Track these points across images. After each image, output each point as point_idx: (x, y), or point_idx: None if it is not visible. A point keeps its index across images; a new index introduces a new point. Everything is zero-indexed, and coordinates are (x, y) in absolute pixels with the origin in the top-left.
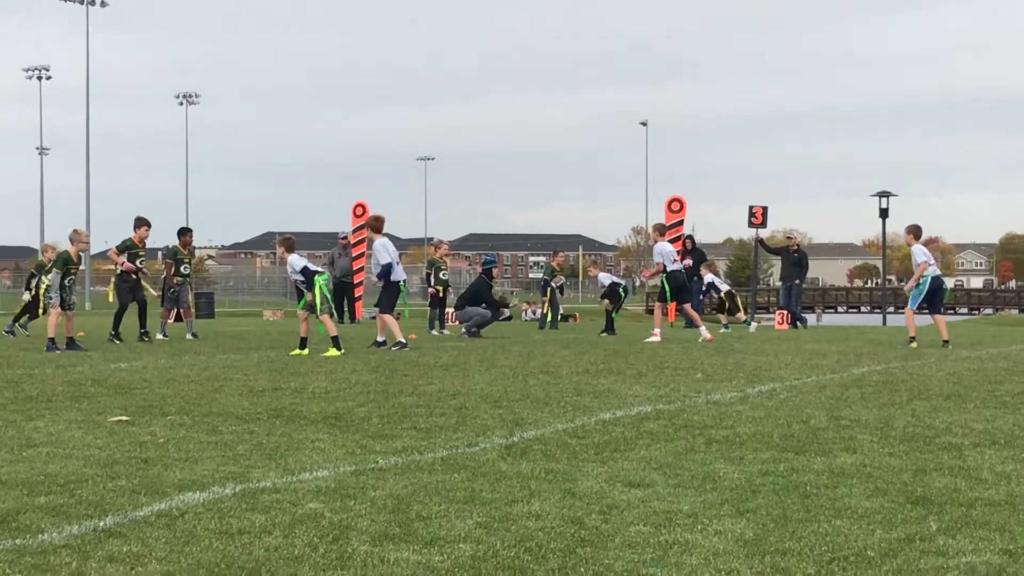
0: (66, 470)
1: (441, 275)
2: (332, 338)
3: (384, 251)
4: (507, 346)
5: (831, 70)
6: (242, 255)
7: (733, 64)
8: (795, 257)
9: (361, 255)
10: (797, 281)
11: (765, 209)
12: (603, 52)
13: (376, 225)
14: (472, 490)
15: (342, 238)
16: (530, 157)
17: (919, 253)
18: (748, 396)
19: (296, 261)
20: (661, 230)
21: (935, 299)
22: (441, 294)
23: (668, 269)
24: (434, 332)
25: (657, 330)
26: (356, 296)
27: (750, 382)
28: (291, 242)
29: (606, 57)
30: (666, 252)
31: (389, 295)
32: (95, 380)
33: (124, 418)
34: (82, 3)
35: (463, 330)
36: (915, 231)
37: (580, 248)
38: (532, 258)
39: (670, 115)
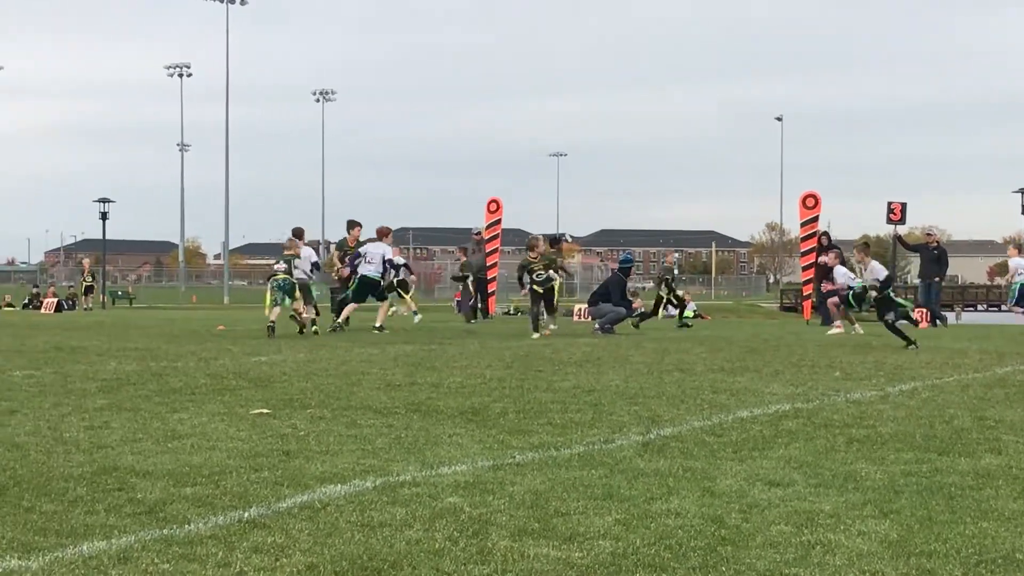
0: (210, 461)
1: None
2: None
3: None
4: (641, 343)
5: (970, 62)
6: None
7: (869, 56)
8: (934, 254)
9: (495, 251)
10: (937, 279)
11: (904, 205)
12: (737, 45)
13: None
14: (610, 487)
15: (475, 234)
16: (663, 152)
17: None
18: (889, 395)
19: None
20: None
21: None
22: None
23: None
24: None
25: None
26: (489, 292)
27: (890, 381)
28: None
29: (740, 50)
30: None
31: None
32: (236, 373)
33: (265, 411)
34: (222, 1)
35: (596, 326)
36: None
37: (713, 244)
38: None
39: (805, 108)
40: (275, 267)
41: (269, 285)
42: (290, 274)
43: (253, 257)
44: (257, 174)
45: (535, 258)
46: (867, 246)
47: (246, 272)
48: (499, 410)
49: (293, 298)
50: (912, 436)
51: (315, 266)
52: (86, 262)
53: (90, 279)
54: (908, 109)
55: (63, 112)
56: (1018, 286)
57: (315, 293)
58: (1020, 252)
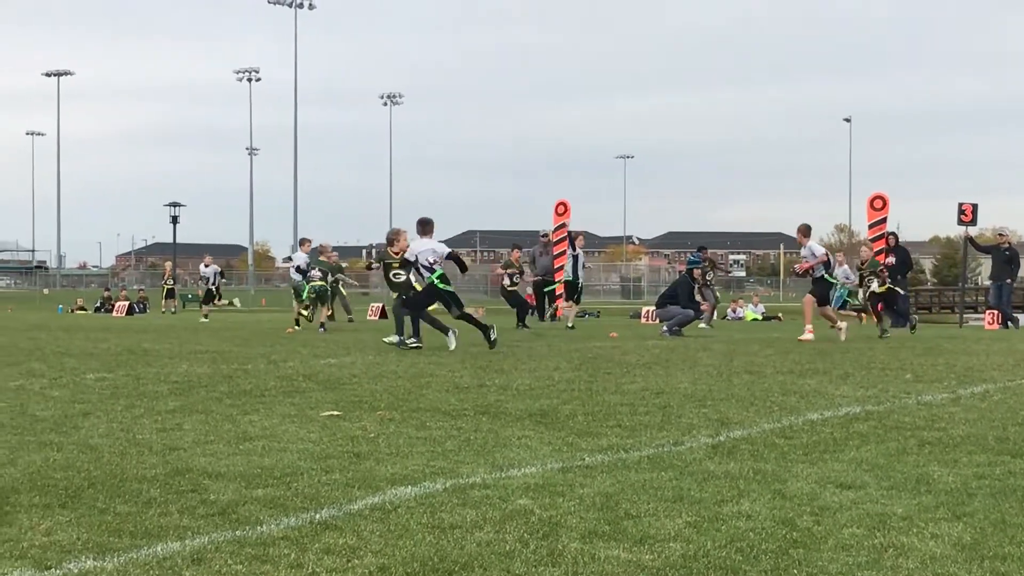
0: (281, 463)
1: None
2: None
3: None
4: (709, 345)
5: None
6: None
7: (938, 55)
8: (1006, 255)
9: (562, 253)
10: (1008, 280)
11: (975, 207)
12: (804, 45)
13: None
14: (680, 489)
15: (543, 236)
16: (730, 153)
17: None
18: (960, 398)
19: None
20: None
21: None
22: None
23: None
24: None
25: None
26: (558, 295)
27: (961, 383)
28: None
29: (808, 50)
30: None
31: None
32: (306, 375)
33: (336, 413)
34: (291, 6)
35: (664, 328)
36: None
37: (781, 246)
38: (732, 256)
39: (875, 108)
40: (312, 273)
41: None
42: (325, 279)
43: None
44: (325, 178)
45: (396, 254)
46: (808, 228)
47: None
48: (568, 412)
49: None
50: (985, 439)
51: (299, 269)
52: (167, 265)
53: (171, 282)
54: (980, 109)
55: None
56: None
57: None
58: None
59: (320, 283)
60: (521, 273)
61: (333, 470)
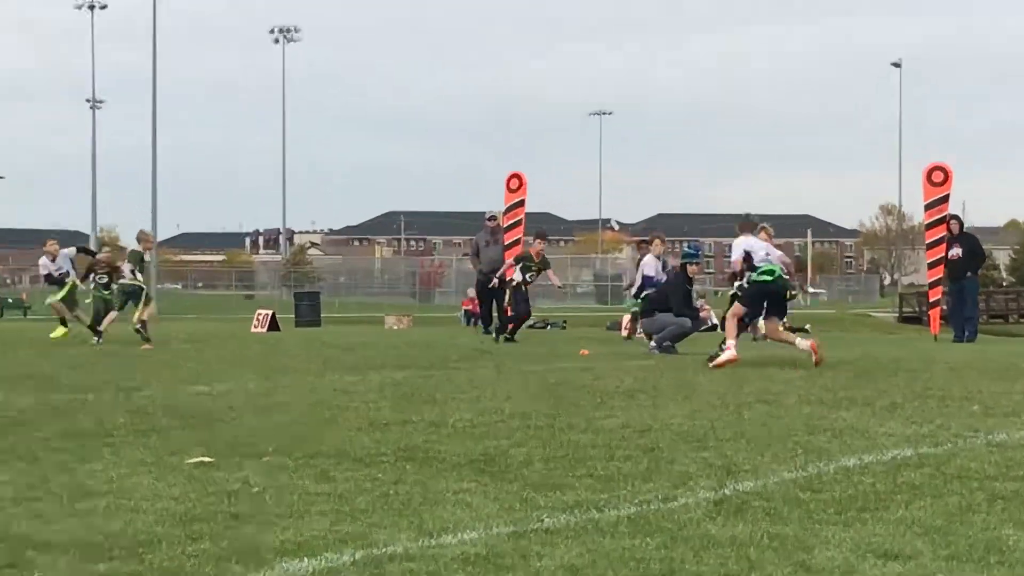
0: (133, 528)
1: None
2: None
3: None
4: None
5: None
6: (356, 242)
7: None
8: None
9: (516, 242)
10: None
11: None
12: None
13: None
14: (671, 560)
15: (490, 219)
16: (739, 110)
17: None
18: None
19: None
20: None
21: None
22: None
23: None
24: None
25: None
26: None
27: None
28: None
29: None
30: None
31: None
32: (168, 408)
33: (206, 459)
34: None
35: (652, 344)
36: None
37: (809, 233)
38: None
39: (932, 50)
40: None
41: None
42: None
43: (189, 251)
44: (194, 142)
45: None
46: (752, 225)
47: (180, 272)
48: (522, 457)
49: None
50: None
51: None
52: None
53: None
54: None
55: None
56: None
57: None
58: None
59: (130, 282)
60: (539, 272)
61: (202, 537)
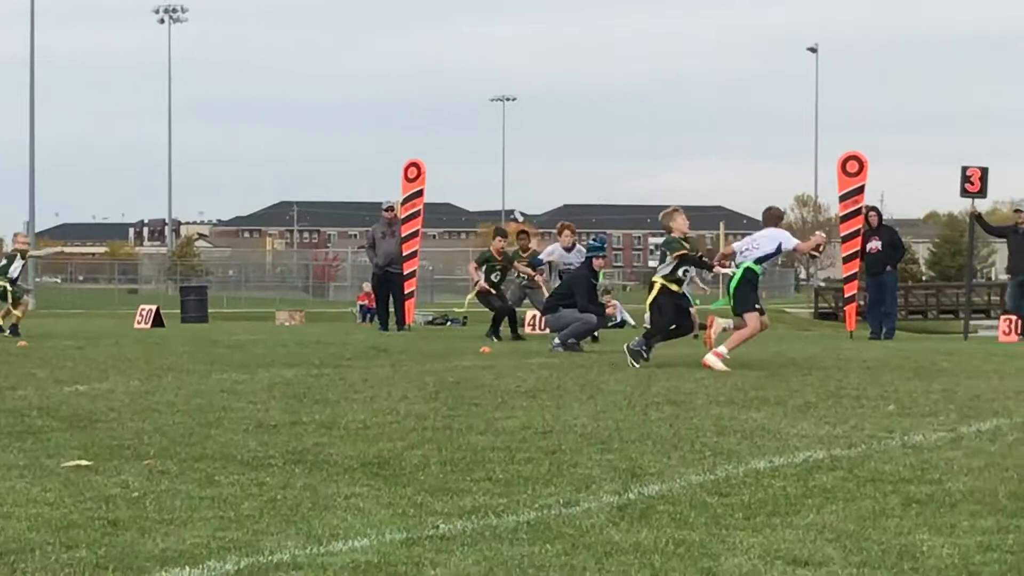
0: (4, 535)
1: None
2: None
3: None
4: (619, 363)
5: None
6: (246, 233)
7: None
8: None
9: (414, 235)
10: None
11: (985, 172)
12: None
13: None
14: (572, 568)
15: (387, 209)
16: (649, 97)
17: None
18: (962, 437)
19: None
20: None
21: None
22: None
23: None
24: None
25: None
26: (407, 293)
27: (964, 418)
28: None
29: None
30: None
31: None
32: (43, 409)
33: (84, 463)
34: None
35: (556, 341)
36: None
37: (722, 225)
38: (653, 239)
39: (848, 36)
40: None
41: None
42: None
43: (70, 243)
44: (75, 128)
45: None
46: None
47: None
48: (417, 460)
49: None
50: (994, 495)
51: None
52: None
53: None
54: (997, 38)
55: None
56: None
57: None
58: None
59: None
60: (504, 270)
61: (78, 545)
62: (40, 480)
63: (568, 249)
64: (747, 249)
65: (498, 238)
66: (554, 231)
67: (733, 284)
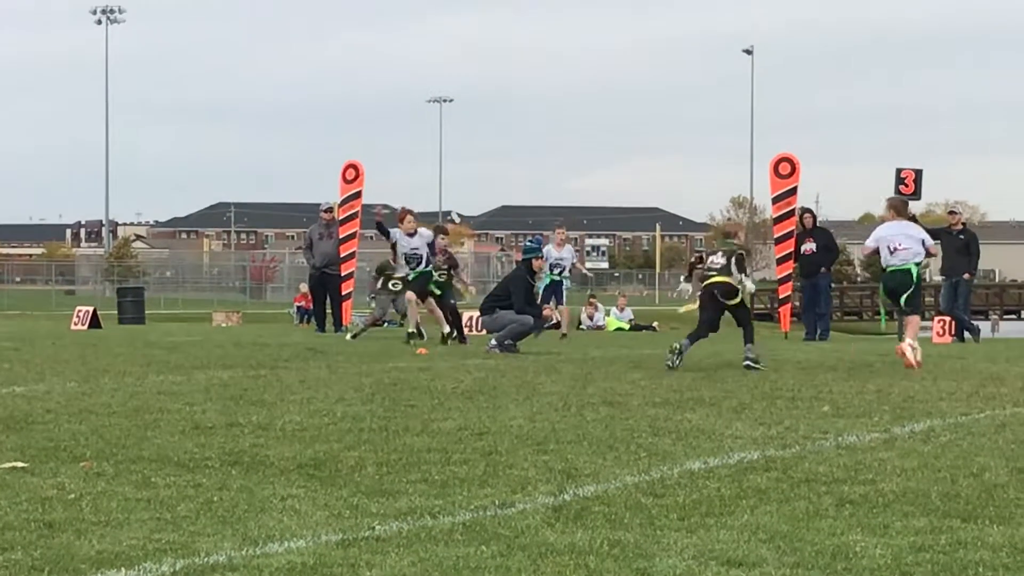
0: None
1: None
2: None
3: None
4: (555, 365)
5: None
6: (184, 235)
7: None
8: (960, 241)
9: (352, 236)
10: (965, 275)
11: (919, 173)
12: None
13: None
14: (507, 570)
15: (325, 211)
16: (587, 99)
17: None
18: (895, 438)
19: None
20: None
21: None
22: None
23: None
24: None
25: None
26: (344, 294)
27: (898, 418)
28: None
29: None
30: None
31: None
32: None
33: (19, 464)
34: None
35: (492, 342)
36: None
37: (658, 227)
38: (590, 240)
39: (783, 37)
40: None
41: None
42: None
43: (6, 244)
44: (11, 129)
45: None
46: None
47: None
48: (353, 462)
49: None
50: (927, 495)
51: None
52: None
53: None
54: (928, 38)
55: None
56: None
57: None
58: None
59: None
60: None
61: (13, 547)
62: None
63: (411, 235)
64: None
65: (439, 236)
66: (495, 233)
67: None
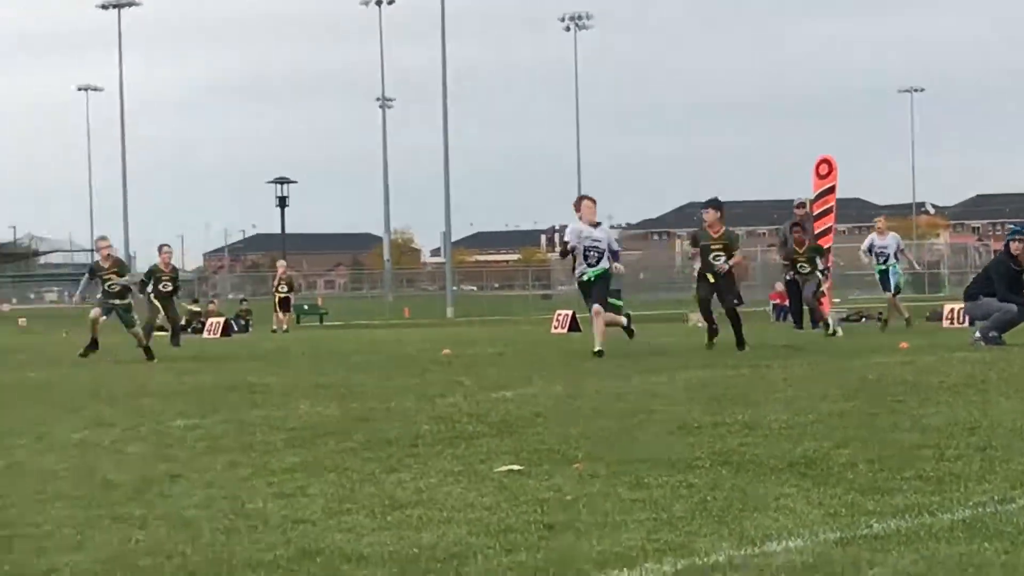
0: (446, 540)
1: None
2: None
3: None
4: None
5: None
6: (655, 236)
7: None
8: None
9: (828, 231)
10: None
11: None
12: None
13: None
14: (1014, 568)
15: (798, 206)
16: None
17: None
18: None
19: None
20: None
21: None
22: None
23: None
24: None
25: None
26: (821, 289)
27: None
28: None
29: None
30: None
31: None
32: (472, 415)
33: (516, 467)
34: None
35: (977, 334)
36: None
37: None
38: None
39: None
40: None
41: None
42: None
43: (484, 252)
44: (486, 137)
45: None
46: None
47: (475, 272)
48: (844, 459)
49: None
50: None
51: None
52: (281, 265)
53: (285, 289)
54: None
55: (213, 62)
56: None
57: None
58: None
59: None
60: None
61: (518, 548)
62: (476, 485)
63: (594, 226)
64: None
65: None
66: (971, 223)
67: None
